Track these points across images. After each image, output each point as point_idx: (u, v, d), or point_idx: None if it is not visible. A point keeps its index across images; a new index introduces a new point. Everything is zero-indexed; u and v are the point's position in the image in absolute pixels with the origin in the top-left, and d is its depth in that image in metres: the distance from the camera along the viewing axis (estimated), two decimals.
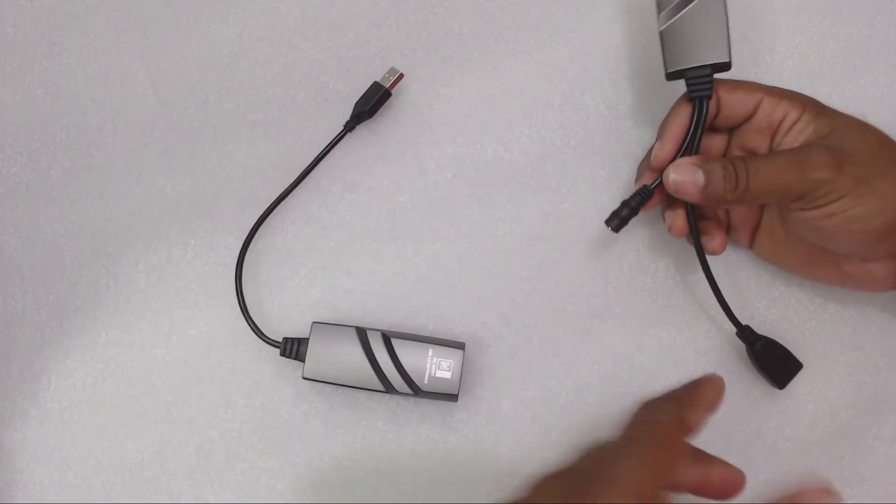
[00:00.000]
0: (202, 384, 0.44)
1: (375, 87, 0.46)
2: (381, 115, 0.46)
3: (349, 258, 0.45)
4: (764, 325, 0.43)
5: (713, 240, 0.41)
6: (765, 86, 0.39)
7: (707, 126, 0.39)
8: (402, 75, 0.46)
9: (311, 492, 0.42)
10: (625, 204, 0.40)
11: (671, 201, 0.41)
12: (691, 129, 0.39)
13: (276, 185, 0.45)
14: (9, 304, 0.45)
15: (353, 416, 0.43)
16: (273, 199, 0.45)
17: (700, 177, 0.37)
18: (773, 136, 0.39)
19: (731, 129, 0.41)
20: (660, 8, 0.40)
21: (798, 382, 0.42)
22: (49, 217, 0.46)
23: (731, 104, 0.39)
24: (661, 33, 0.40)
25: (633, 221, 0.44)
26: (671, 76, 0.40)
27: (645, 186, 0.40)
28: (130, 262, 0.45)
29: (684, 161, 0.38)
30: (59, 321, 0.45)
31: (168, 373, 0.44)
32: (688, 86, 0.39)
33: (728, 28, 0.39)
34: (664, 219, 0.42)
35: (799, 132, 0.38)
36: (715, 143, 0.42)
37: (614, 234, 0.41)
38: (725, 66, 0.39)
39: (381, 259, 0.45)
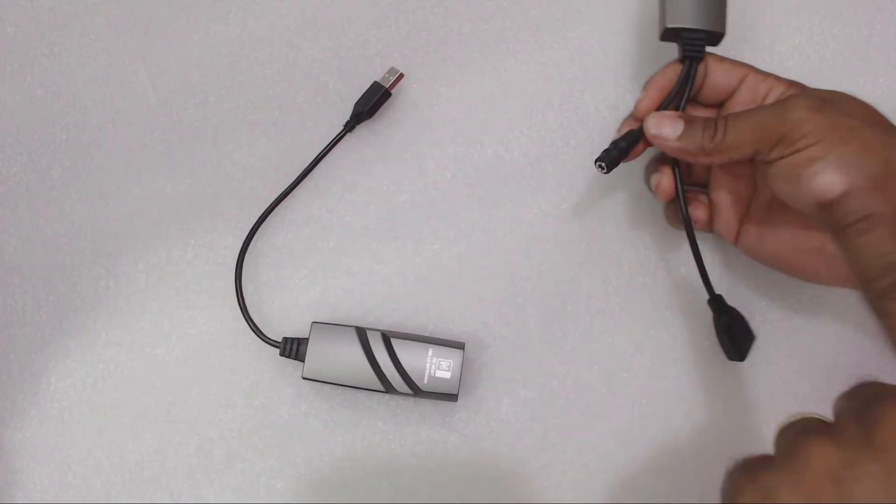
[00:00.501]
0: (202, 384, 0.44)
1: (375, 87, 0.46)
2: (381, 115, 0.46)
3: (349, 258, 0.45)
4: (765, 325, 0.43)
5: (696, 209, 0.41)
6: (749, 65, 0.40)
7: (693, 95, 0.40)
8: (402, 75, 0.46)
9: (311, 492, 0.42)
10: (615, 144, 0.40)
11: (657, 164, 0.41)
12: (678, 86, 0.40)
13: (276, 185, 0.45)
14: (9, 304, 0.45)
15: (353, 416, 0.43)
16: (273, 199, 0.45)
17: (679, 124, 0.38)
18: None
19: (717, 106, 0.41)
20: None
21: (798, 382, 0.42)
22: (49, 217, 0.46)
23: (718, 74, 0.40)
24: None
25: (633, 221, 0.44)
26: (666, 35, 0.40)
27: (632, 130, 0.40)
28: (130, 262, 0.45)
29: (665, 111, 0.39)
30: (59, 321, 0.45)
31: (168, 373, 0.44)
32: (682, 46, 0.40)
33: (726, 3, 0.40)
34: (649, 184, 0.41)
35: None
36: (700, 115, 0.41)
37: (605, 175, 0.40)
38: (718, 38, 0.40)
39: (381, 259, 0.45)
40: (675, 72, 0.40)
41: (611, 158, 0.39)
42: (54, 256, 0.46)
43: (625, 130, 0.41)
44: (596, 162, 0.39)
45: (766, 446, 0.42)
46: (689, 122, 0.38)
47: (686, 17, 0.40)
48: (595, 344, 0.43)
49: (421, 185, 0.46)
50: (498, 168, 0.46)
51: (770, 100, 0.38)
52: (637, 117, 0.41)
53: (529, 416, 0.43)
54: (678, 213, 0.40)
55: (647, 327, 0.43)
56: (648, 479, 0.41)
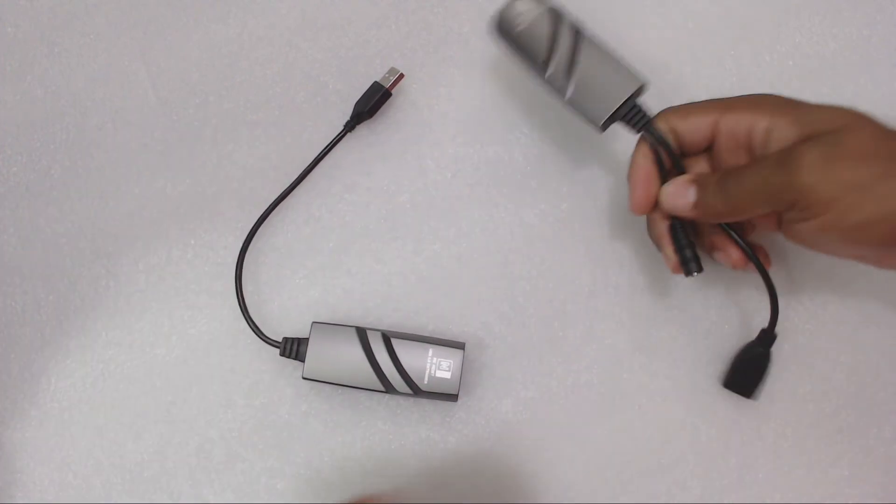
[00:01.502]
0: (202, 384, 0.44)
1: (375, 87, 0.46)
2: (381, 115, 0.46)
3: (349, 258, 0.45)
4: (765, 325, 0.43)
5: (730, 255, 0.39)
6: (719, 101, 0.37)
7: (681, 149, 0.38)
8: (402, 75, 0.46)
9: (311, 492, 0.42)
10: (681, 246, 0.38)
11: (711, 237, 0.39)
12: (659, 158, 0.38)
13: (276, 185, 0.45)
14: (9, 304, 0.45)
15: (353, 416, 0.43)
16: (273, 199, 0.45)
17: (691, 191, 0.36)
18: (750, 152, 0.36)
19: (707, 150, 0.39)
20: (554, 88, 0.39)
21: (799, 382, 0.42)
22: (49, 217, 0.46)
23: (685, 131, 0.37)
24: (569, 102, 0.39)
25: (633, 221, 0.44)
26: (605, 126, 0.39)
27: (671, 224, 0.39)
28: (130, 262, 0.45)
29: (676, 179, 0.37)
30: (59, 321, 0.45)
31: (168, 373, 0.44)
32: (627, 125, 0.38)
33: (620, 58, 0.39)
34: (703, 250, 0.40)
35: (778, 141, 0.34)
36: (699, 167, 0.39)
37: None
38: (644, 89, 0.39)
39: (381, 259, 0.45)
40: (645, 153, 0.38)
41: (695, 258, 0.38)
42: (54, 256, 0.46)
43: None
44: (689, 274, 0.38)
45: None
46: (700, 185, 0.36)
47: (605, 104, 0.38)
48: (595, 344, 0.43)
49: (421, 185, 0.46)
50: (498, 168, 0.46)
51: (758, 138, 0.35)
52: (638, 214, 0.39)
53: (529, 416, 0.43)
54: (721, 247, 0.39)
55: (647, 327, 0.43)
56: (648, 479, 0.41)
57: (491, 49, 0.48)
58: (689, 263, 0.38)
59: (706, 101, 0.38)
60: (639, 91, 0.38)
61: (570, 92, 0.39)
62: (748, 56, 0.47)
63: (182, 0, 0.49)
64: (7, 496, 0.43)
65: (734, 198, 0.35)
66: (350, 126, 0.45)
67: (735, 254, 0.38)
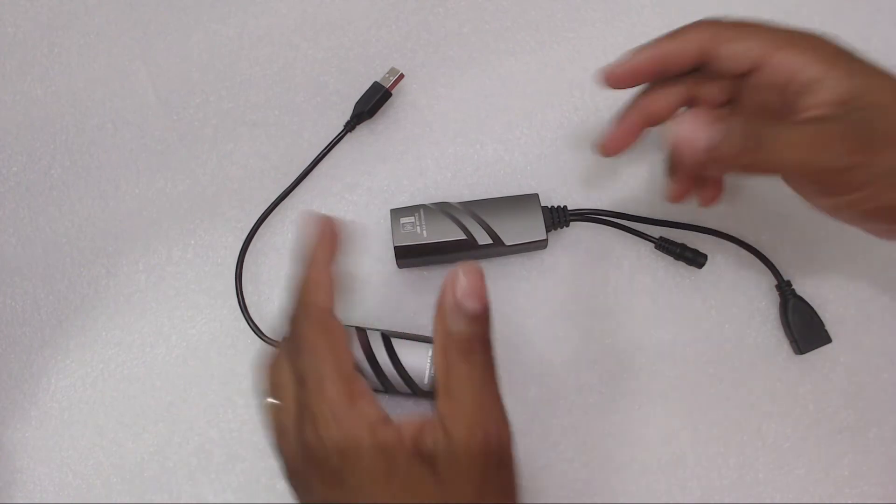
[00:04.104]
0: (202, 384, 0.44)
1: (376, 87, 0.46)
2: (381, 115, 0.46)
3: (349, 258, 0.45)
4: (765, 326, 0.43)
5: (705, 191, 0.38)
6: (772, 31, 0.33)
7: (702, 77, 0.35)
8: (402, 75, 0.46)
9: None
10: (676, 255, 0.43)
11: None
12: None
13: (276, 185, 0.45)
14: (9, 304, 0.45)
15: None
16: (273, 199, 0.45)
17: (712, 134, 0.30)
18: (784, 93, 0.32)
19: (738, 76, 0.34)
20: (494, 248, 0.42)
21: (799, 382, 0.42)
22: (49, 217, 0.46)
23: (731, 57, 0.33)
24: (510, 249, 0.42)
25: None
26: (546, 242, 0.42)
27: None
28: (130, 262, 0.45)
29: (692, 114, 0.32)
30: (59, 321, 0.45)
31: (168, 373, 0.44)
32: (561, 224, 0.43)
33: (505, 196, 0.43)
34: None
35: (824, 93, 0.31)
36: (713, 92, 0.35)
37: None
38: (538, 197, 0.43)
39: (381, 259, 0.45)
40: (685, 47, 0.33)
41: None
42: (54, 256, 0.46)
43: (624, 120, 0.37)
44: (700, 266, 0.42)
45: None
46: (727, 128, 0.31)
47: (534, 225, 0.42)
48: (595, 344, 0.43)
49: (421, 185, 0.46)
50: (498, 168, 0.46)
51: (804, 81, 0.31)
52: (610, 153, 0.37)
53: (529, 415, 0.43)
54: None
55: (646, 327, 0.43)
56: (648, 479, 0.41)
57: (491, 49, 0.48)
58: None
59: (758, 27, 0.33)
60: (538, 198, 0.42)
61: (505, 239, 0.41)
62: None
63: (182, 0, 0.49)
64: (7, 496, 0.43)
65: (768, 153, 0.30)
66: (350, 126, 0.45)
67: (708, 194, 0.38)
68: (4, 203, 0.47)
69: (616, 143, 0.37)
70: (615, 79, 0.35)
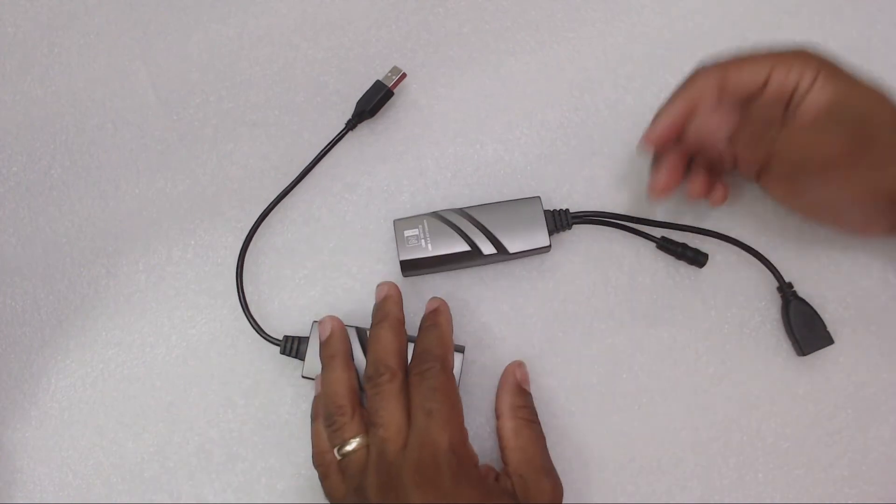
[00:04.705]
0: (202, 384, 0.44)
1: (378, 86, 0.46)
2: (381, 115, 0.46)
3: (349, 258, 0.45)
4: (765, 326, 0.43)
5: (715, 192, 0.41)
6: (768, 52, 0.37)
7: (715, 102, 0.38)
8: (404, 75, 0.46)
9: (311, 492, 0.42)
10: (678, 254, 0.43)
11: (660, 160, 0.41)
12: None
13: (276, 185, 0.45)
14: (9, 304, 0.45)
15: None
16: (273, 199, 0.45)
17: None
18: (787, 104, 0.37)
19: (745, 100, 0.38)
20: (498, 257, 0.42)
21: (798, 382, 0.42)
22: (49, 217, 0.46)
23: (741, 84, 0.37)
24: (514, 255, 0.42)
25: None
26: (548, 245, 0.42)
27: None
28: (130, 262, 0.45)
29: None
30: (59, 321, 0.45)
31: (168, 373, 0.44)
32: (563, 228, 0.43)
33: (504, 199, 0.43)
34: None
35: (815, 98, 0.36)
36: (722, 120, 0.39)
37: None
38: (541, 200, 0.43)
39: (380, 259, 0.45)
40: (707, 88, 0.38)
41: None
42: (54, 256, 0.46)
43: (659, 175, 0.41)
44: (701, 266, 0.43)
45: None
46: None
47: (537, 229, 0.42)
48: (595, 344, 0.43)
49: (421, 185, 0.46)
50: (498, 168, 0.46)
51: (802, 90, 0.36)
52: (655, 145, 0.40)
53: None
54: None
55: (647, 327, 0.43)
56: (648, 479, 0.41)
57: (491, 49, 0.48)
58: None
59: (755, 52, 0.37)
60: (540, 202, 0.42)
61: (510, 248, 0.42)
62: None
63: (182, 0, 0.49)
64: (7, 496, 0.43)
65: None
66: (352, 124, 0.45)
67: (698, 185, 0.41)
68: (4, 203, 0.47)
69: (668, 183, 0.41)
70: (662, 141, 0.39)
